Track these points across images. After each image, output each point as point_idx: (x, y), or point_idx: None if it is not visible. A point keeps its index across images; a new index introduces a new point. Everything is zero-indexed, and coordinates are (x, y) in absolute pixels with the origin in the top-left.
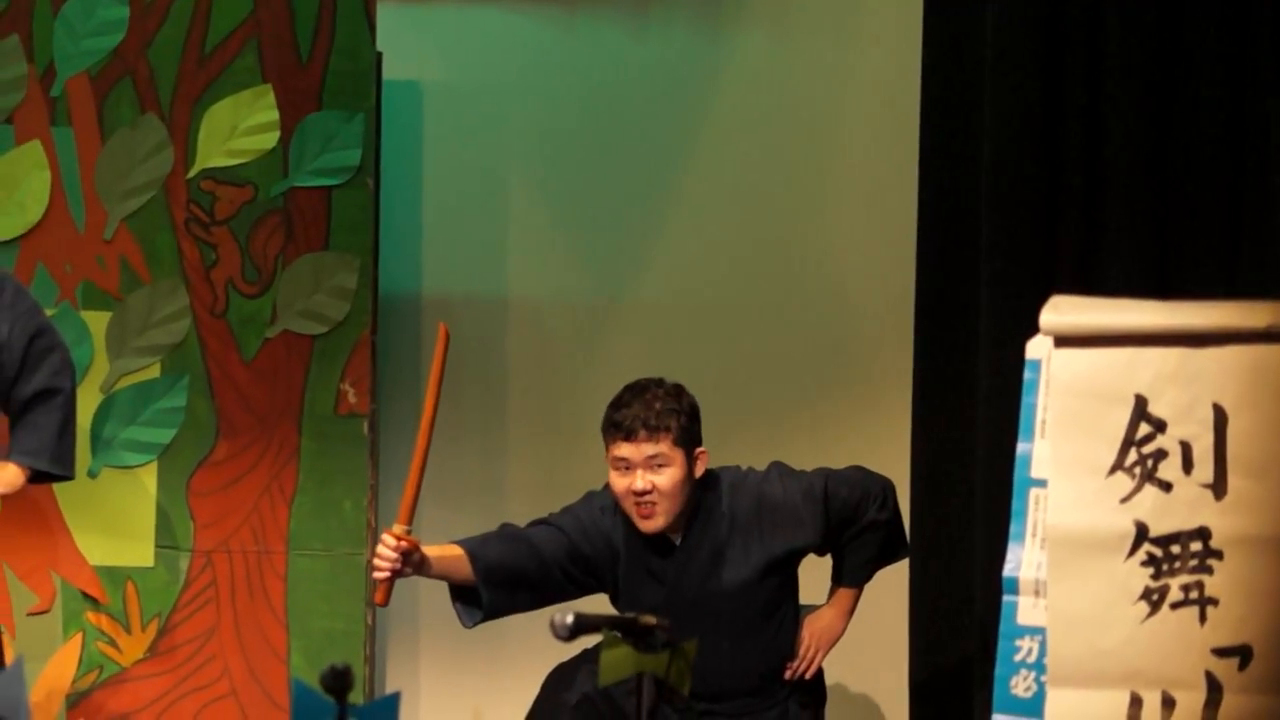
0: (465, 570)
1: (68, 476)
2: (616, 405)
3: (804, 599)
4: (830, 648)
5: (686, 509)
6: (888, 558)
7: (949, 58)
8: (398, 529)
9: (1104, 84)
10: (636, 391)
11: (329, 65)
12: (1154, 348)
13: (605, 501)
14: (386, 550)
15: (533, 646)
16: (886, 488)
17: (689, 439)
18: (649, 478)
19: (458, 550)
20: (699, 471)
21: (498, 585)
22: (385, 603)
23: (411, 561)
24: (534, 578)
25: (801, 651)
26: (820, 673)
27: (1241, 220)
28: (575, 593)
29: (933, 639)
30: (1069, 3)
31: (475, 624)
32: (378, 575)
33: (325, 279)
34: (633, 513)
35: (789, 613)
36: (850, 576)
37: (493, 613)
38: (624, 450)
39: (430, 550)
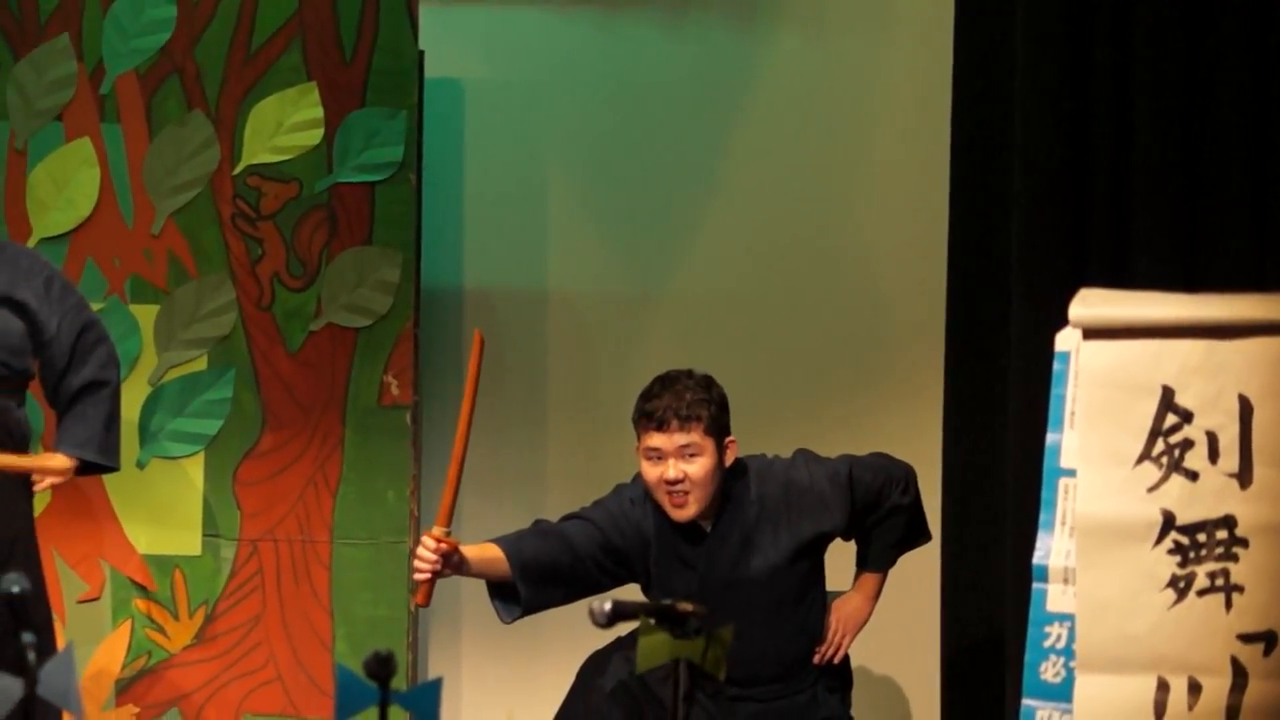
0: (502, 568)
1: (114, 467)
2: (648, 396)
3: (830, 586)
4: (857, 632)
5: (717, 497)
6: (910, 542)
7: (980, 56)
8: (437, 531)
9: (1132, 80)
10: (667, 383)
11: (372, 63)
12: (1180, 340)
13: (635, 493)
14: (426, 552)
15: (572, 632)
16: (908, 473)
17: (719, 429)
18: (681, 467)
19: (495, 549)
20: (729, 460)
21: (534, 581)
22: (426, 603)
23: (451, 562)
24: (568, 572)
25: (829, 636)
26: (847, 658)
27: (1267, 215)
28: (609, 584)
29: (964, 625)
30: (1098, 3)
31: (514, 620)
32: (418, 576)
33: (369, 273)
34: (665, 501)
35: (817, 598)
36: (875, 561)
37: (530, 608)
38: (656, 440)
39: (468, 550)
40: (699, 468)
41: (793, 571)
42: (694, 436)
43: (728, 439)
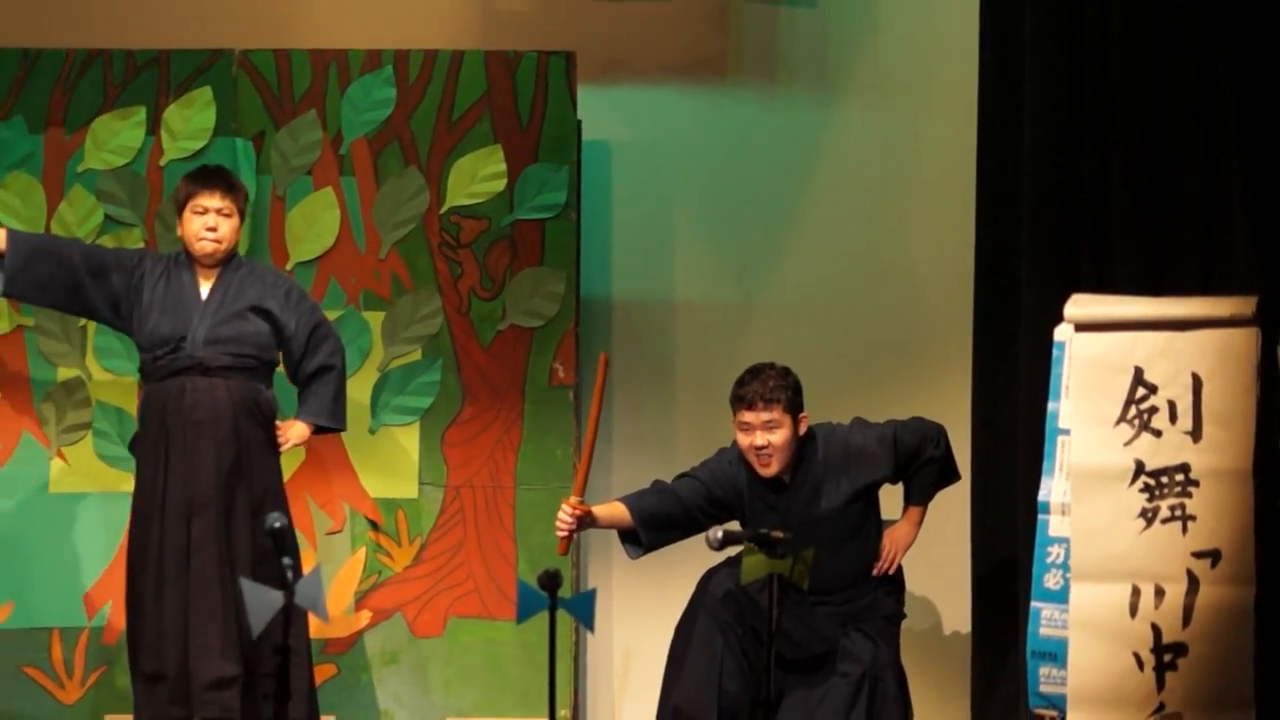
0: (627, 520)
1: (341, 429)
2: (740, 383)
3: (884, 516)
4: (906, 551)
5: (793, 458)
6: (943, 482)
7: (998, 122)
8: (573, 500)
9: (1113, 143)
10: (755, 373)
11: (542, 130)
12: (1148, 331)
13: (732, 456)
14: (565, 516)
15: (693, 556)
16: (940, 432)
17: (795, 407)
18: (766, 436)
19: (621, 506)
20: (802, 430)
21: (652, 528)
22: (566, 552)
23: (584, 523)
24: (679, 519)
25: (884, 554)
26: (900, 569)
27: (1213, 239)
28: (711, 525)
29: (988, 545)
30: (1084, 93)
31: (639, 556)
32: (559, 534)
33: (541, 286)
34: (754, 462)
35: (873, 527)
36: (917, 497)
37: (650, 547)
38: (747, 416)
39: (599, 510)
40: (779, 437)
41: (851, 510)
42: (775, 413)
43: (801, 415)
